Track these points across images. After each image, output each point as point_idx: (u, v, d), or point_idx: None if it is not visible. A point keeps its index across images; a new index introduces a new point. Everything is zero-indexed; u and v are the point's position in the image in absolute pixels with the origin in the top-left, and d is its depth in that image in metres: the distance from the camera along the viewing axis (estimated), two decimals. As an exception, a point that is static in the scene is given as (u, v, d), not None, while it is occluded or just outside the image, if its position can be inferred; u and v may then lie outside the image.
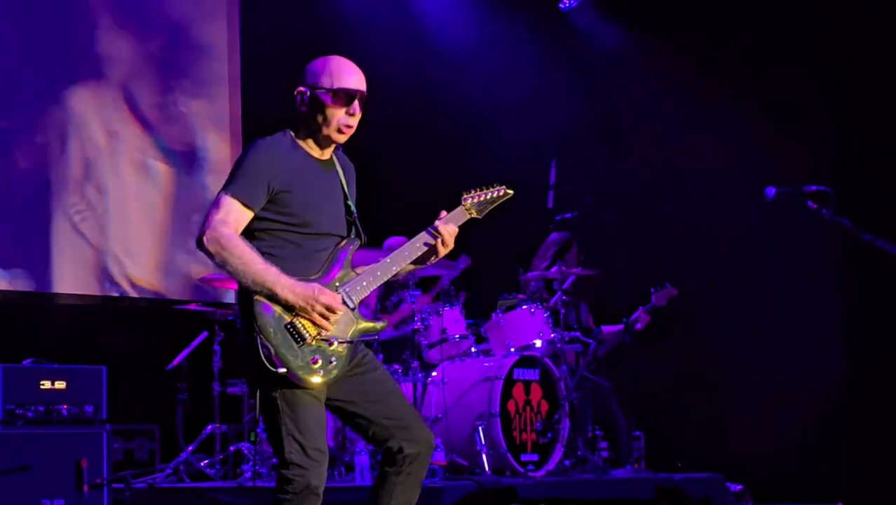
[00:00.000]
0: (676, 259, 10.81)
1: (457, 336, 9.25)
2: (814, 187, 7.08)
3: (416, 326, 9.11)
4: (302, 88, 5.05)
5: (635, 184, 11.33)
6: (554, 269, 9.72)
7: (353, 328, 4.99)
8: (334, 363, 4.90)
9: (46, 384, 8.06)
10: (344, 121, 5.05)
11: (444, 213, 5.17)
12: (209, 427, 9.26)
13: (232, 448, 9.14)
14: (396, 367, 9.06)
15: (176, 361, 9.60)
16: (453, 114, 12.00)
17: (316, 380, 4.84)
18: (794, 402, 10.70)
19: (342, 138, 5.09)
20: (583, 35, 12.22)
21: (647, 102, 11.45)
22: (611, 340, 10.01)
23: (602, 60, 12.05)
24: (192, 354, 9.60)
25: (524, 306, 9.37)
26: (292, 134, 5.10)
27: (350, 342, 4.97)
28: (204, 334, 9.54)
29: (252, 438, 9.15)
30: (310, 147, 5.10)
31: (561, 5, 12.11)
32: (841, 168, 10.31)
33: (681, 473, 9.54)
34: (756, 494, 9.88)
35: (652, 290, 9.90)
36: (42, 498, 7.84)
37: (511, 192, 5.32)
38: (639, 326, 9.89)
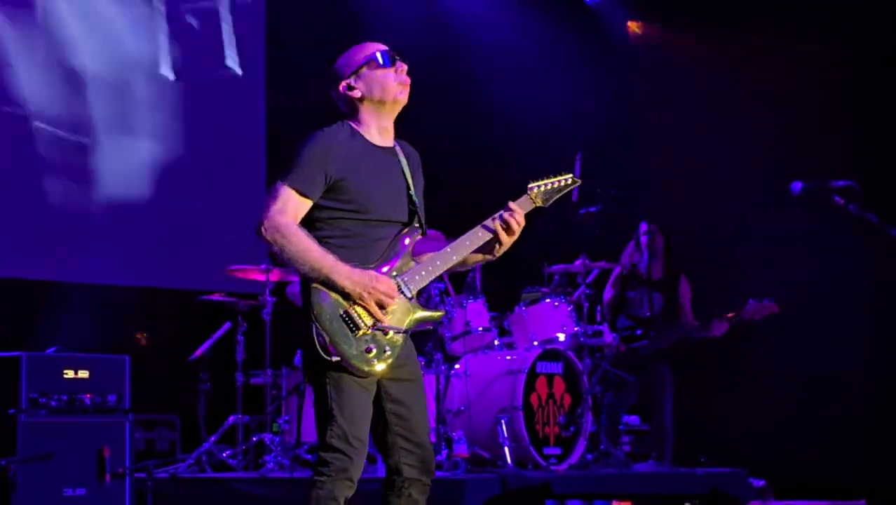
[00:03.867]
0: (700, 253, 10.77)
1: (480, 329, 9.22)
2: (840, 182, 7.04)
3: (438, 319, 9.07)
4: (342, 84, 5.07)
5: (660, 178, 11.29)
6: (578, 262, 9.70)
7: (410, 318, 4.99)
8: (389, 353, 4.91)
9: (69, 373, 8.07)
10: (398, 78, 5.09)
11: (510, 203, 5.10)
12: (231, 418, 9.27)
13: (254, 439, 9.14)
14: (419, 359, 9.04)
15: (199, 351, 9.61)
16: (478, 106, 11.98)
17: (368, 369, 4.86)
18: (818, 398, 10.66)
19: (405, 95, 5.09)
20: (609, 29, 12.20)
21: (673, 94, 11.43)
22: (686, 331, 9.98)
23: (627, 54, 12.03)
24: (215, 345, 9.62)
25: (548, 300, 9.36)
26: (351, 124, 5.09)
27: (405, 332, 4.98)
28: (227, 325, 9.55)
29: (274, 429, 9.16)
30: (371, 135, 5.09)
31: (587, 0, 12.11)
32: (867, 162, 10.26)
33: (704, 467, 9.51)
34: (779, 490, 9.85)
35: (751, 300, 9.78)
36: (64, 487, 7.86)
37: (578, 180, 5.29)
38: (716, 332, 9.82)
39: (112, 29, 10.80)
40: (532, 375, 8.93)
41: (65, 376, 8.05)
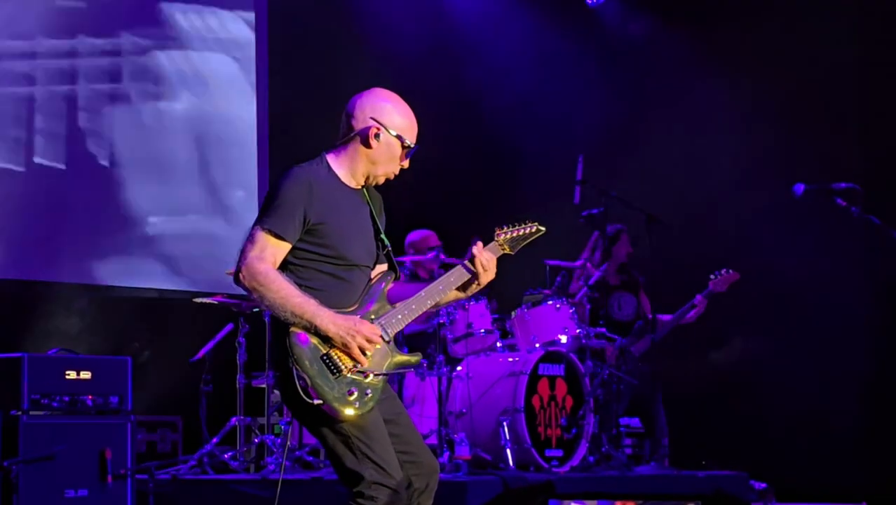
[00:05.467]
0: (703, 256, 10.77)
1: (482, 331, 9.23)
2: (843, 185, 7.06)
3: (441, 321, 9.08)
4: (378, 126, 5.00)
5: (662, 180, 11.28)
6: (579, 263, 9.70)
7: (389, 361, 4.95)
8: (370, 395, 4.85)
9: (72, 374, 8.06)
10: (396, 171, 5.09)
11: (479, 241, 5.12)
12: (233, 419, 9.26)
13: (256, 440, 9.14)
14: (422, 360, 9.04)
15: (201, 353, 9.60)
16: (480, 108, 11.98)
17: (350, 412, 4.79)
18: (820, 401, 10.65)
19: (381, 182, 5.11)
20: (611, 31, 12.20)
21: (677, 96, 11.42)
22: (666, 327, 10.01)
23: (630, 55, 12.02)
24: (216, 346, 9.61)
25: (549, 302, 9.36)
26: (329, 160, 5.05)
27: (385, 375, 4.93)
28: (229, 326, 9.54)
29: (276, 431, 9.15)
30: (346, 176, 5.05)
31: (589, 1, 12.08)
32: (869, 164, 10.26)
33: (705, 470, 9.52)
34: (780, 492, 9.84)
35: (711, 276, 9.89)
36: (66, 488, 7.85)
37: (542, 229, 5.27)
38: (692, 314, 9.90)
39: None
40: (534, 377, 8.93)
41: (67, 377, 8.04)
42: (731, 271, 9.92)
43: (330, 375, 4.78)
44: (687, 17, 11.48)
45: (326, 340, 4.79)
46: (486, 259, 5.06)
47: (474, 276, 5.07)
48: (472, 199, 10.87)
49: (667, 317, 10.08)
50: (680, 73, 11.52)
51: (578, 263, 9.80)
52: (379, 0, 11.73)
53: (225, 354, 9.57)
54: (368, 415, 4.85)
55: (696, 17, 11.41)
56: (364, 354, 4.82)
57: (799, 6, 10.98)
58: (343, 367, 4.80)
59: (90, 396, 8.09)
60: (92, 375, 8.14)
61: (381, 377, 4.91)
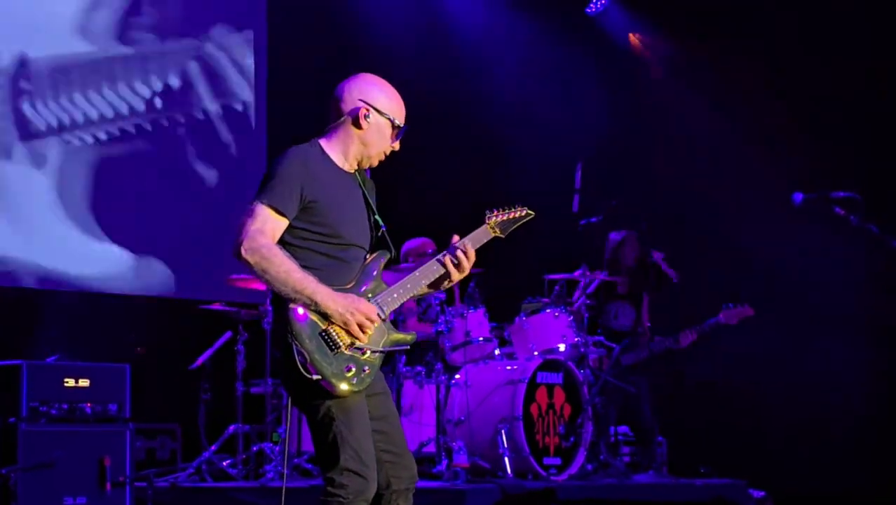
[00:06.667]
0: (703, 265, 10.78)
1: (480, 339, 9.22)
2: (841, 193, 7.06)
3: (439, 329, 9.08)
4: (367, 107, 5.05)
5: (663, 189, 11.29)
6: (578, 272, 9.70)
7: (385, 338, 4.99)
8: (367, 372, 4.89)
9: (70, 382, 8.07)
10: (388, 151, 5.13)
11: (456, 236, 5.15)
12: (232, 427, 9.26)
13: (254, 448, 9.14)
14: (420, 368, 9.05)
15: (199, 360, 9.60)
16: (478, 117, 11.99)
17: (346, 387, 4.82)
18: (819, 409, 10.65)
19: (375, 164, 5.15)
20: (610, 39, 12.22)
21: (676, 105, 11.44)
22: (662, 344, 10.02)
23: (630, 64, 12.04)
24: (215, 354, 9.61)
25: (548, 310, 9.36)
26: (321, 144, 5.09)
27: (382, 352, 4.97)
28: (228, 334, 9.54)
29: (274, 439, 9.15)
30: (339, 159, 5.10)
31: (588, 9, 12.10)
32: (870, 174, 10.26)
33: (703, 478, 9.52)
34: (779, 501, 9.85)
35: (724, 306, 9.85)
36: (64, 495, 7.86)
37: (532, 213, 5.31)
38: (683, 343, 9.89)
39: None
40: (532, 385, 8.93)
41: (65, 385, 8.04)
42: (746, 306, 9.87)
43: (328, 351, 4.81)
44: (687, 24, 11.50)
45: (325, 316, 4.82)
46: (468, 256, 5.08)
47: (447, 271, 5.09)
48: (470, 204, 10.84)
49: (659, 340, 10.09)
50: (680, 80, 11.53)
51: (578, 273, 9.79)
52: (380, 7, 11.74)
53: (223, 362, 9.58)
54: (357, 401, 4.88)
55: (696, 25, 11.43)
56: (363, 331, 4.86)
57: (801, 15, 10.99)
58: (341, 343, 4.84)
59: (89, 404, 8.10)
60: (90, 383, 8.15)
61: (378, 354, 4.96)
